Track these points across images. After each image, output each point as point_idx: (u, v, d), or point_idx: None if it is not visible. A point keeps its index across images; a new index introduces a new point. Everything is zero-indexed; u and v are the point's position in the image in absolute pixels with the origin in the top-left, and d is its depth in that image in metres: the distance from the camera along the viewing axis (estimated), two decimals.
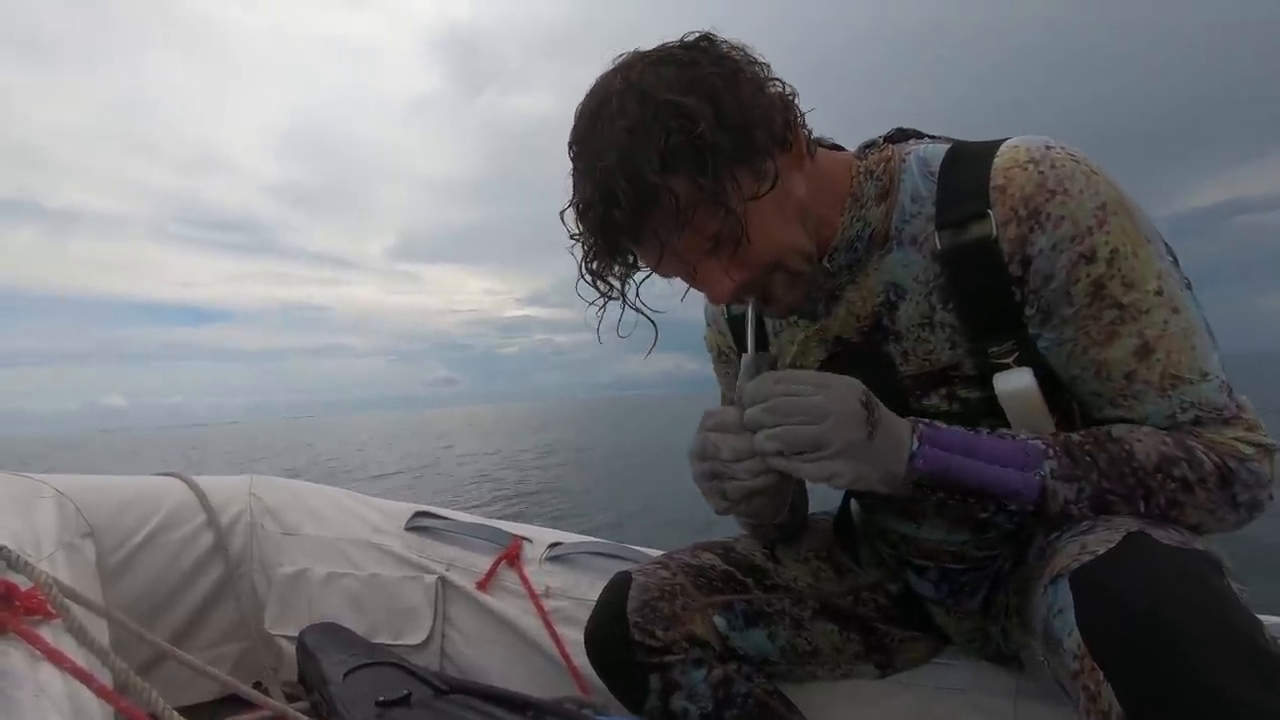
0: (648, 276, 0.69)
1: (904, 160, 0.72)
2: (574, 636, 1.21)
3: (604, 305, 0.68)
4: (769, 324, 0.86)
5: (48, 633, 0.72)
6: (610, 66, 0.63)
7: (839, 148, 0.76)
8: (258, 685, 1.36)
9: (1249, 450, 0.61)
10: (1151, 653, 0.46)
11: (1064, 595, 0.53)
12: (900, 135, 0.76)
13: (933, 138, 0.75)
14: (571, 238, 0.66)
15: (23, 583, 0.75)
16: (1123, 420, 0.65)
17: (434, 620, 1.33)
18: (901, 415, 0.74)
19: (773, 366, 0.73)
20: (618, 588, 0.84)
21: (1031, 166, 0.64)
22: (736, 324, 0.89)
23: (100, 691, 0.68)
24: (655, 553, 0.99)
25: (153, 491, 1.38)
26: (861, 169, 0.72)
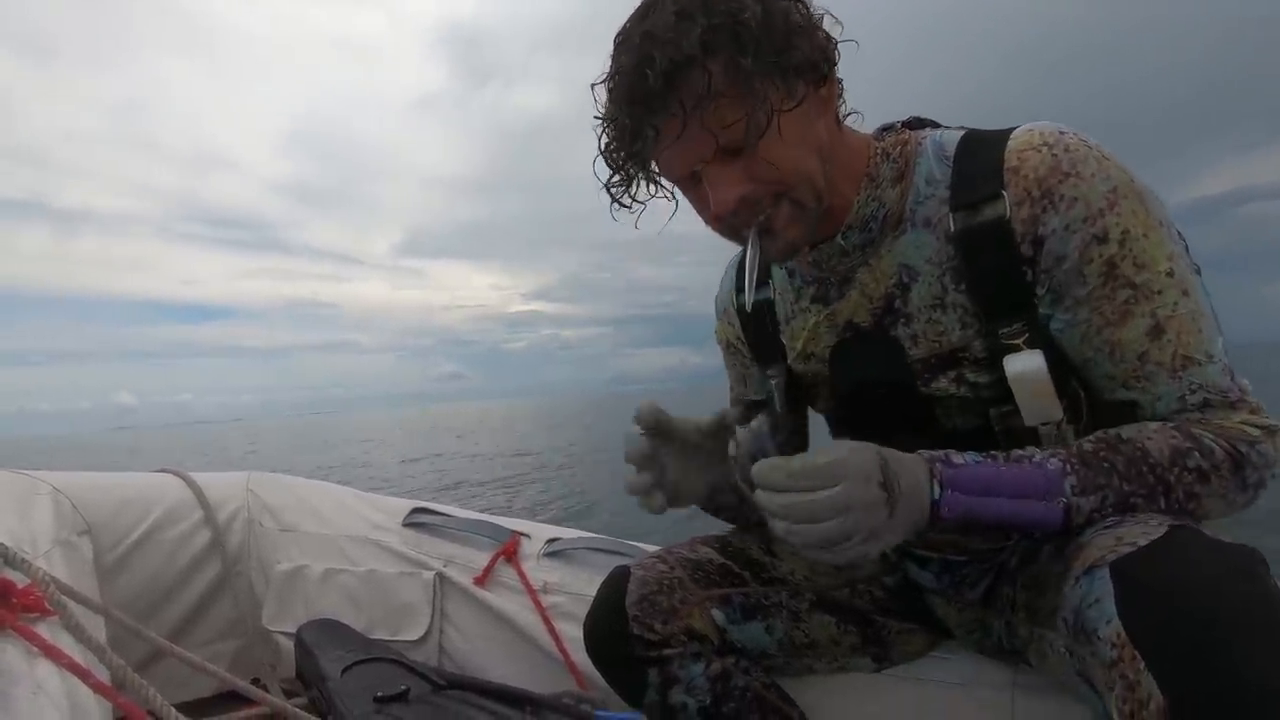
0: (656, 193, 0.70)
1: (919, 144, 0.74)
2: (572, 632, 1.21)
3: (623, 189, 0.69)
4: (779, 310, 0.86)
5: (45, 630, 0.72)
6: None
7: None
8: (256, 681, 1.37)
9: (1256, 433, 0.61)
10: (1197, 642, 0.45)
11: (1101, 585, 0.52)
12: (917, 123, 0.78)
13: (947, 128, 0.76)
14: (596, 118, 0.67)
15: (20, 580, 0.75)
16: (1134, 404, 0.66)
17: (432, 616, 1.34)
18: (910, 399, 0.75)
19: (774, 427, 0.69)
20: (616, 582, 0.84)
21: (1045, 149, 0.65)
22: (747, 315, 0.90)
23: (98, 688, 0.68)
24: (653, 548, 0.99)
25: (150, 488, 1.38)
26: (879, 150, 0.74)
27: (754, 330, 0.90)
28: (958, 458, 0.62)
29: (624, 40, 0.64)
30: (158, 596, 1.31)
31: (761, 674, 0.84)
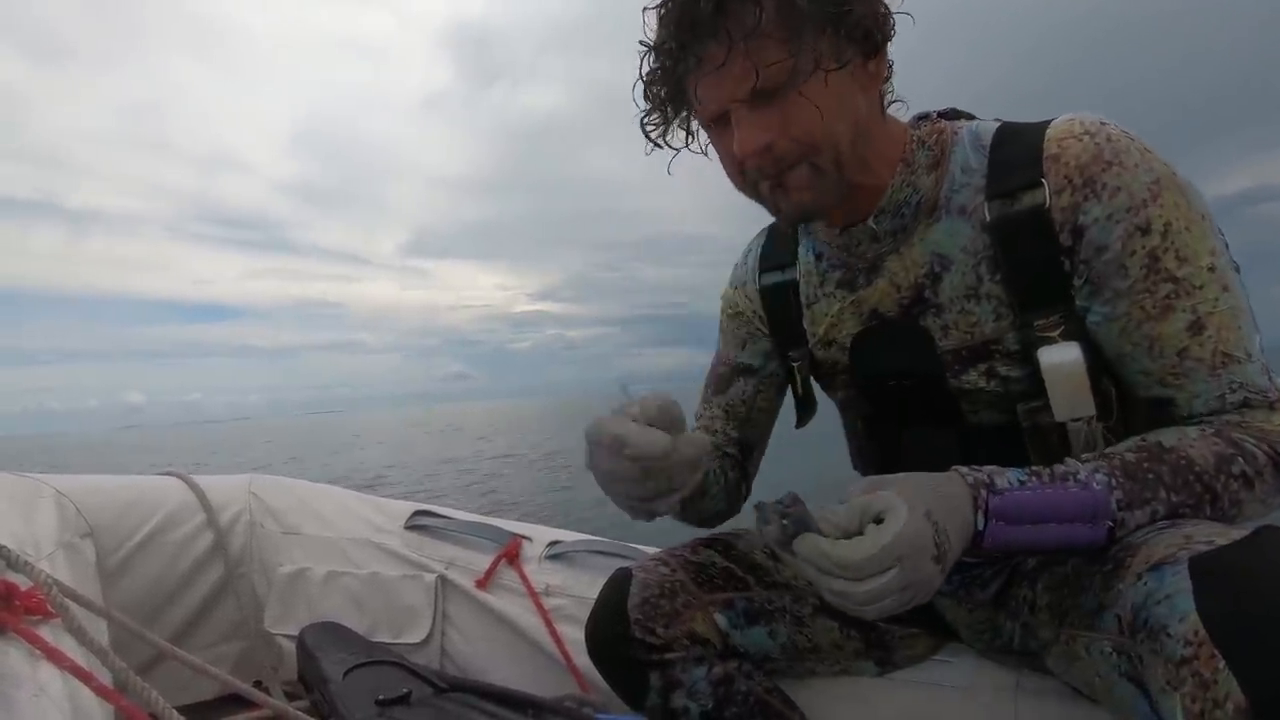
0: (690, 141, 0.73)
1: (956, 134, 0.73)
2: (574, 635, 1.21)
3: (659, 125, 0.70)
4: (802, 295, 0.86)
5: (47, 632, 0.72)
6: None
7: None
8: (258, 684, 1.37)
9: None
10: None
11: (1174, 581, 0.50)
12: (952, 114, 0.78)
13: (982, 120, 0.76)
14: (640, 43, 0.68)
15: (23, 582, 0.75)
16: (1169, 401, 0.65)
17: (434, 619, 1.34)
18: (936, 392, 0.74)
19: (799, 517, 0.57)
20: (618, 584, 0.84)
21: (1087, 138, 0.64)
22: (770, 295, 0.89)
23: (100, 691, 0.68)
24: (655, 550, 0.99)
25: (153, 491, 1.38)
26: (915, 138, 0.73)
27: (776, 311, 0.89)
28: (1000, 479, 0.60)
29: None
30: (160, 599, 1.31)
31: (764, 678, 0.84)
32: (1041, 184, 0.65)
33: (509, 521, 1.47)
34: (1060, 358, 0.66)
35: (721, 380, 0.97)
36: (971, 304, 0.71)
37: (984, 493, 0.59)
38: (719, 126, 0.68)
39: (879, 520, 0.55)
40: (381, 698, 1.02)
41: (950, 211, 0.71)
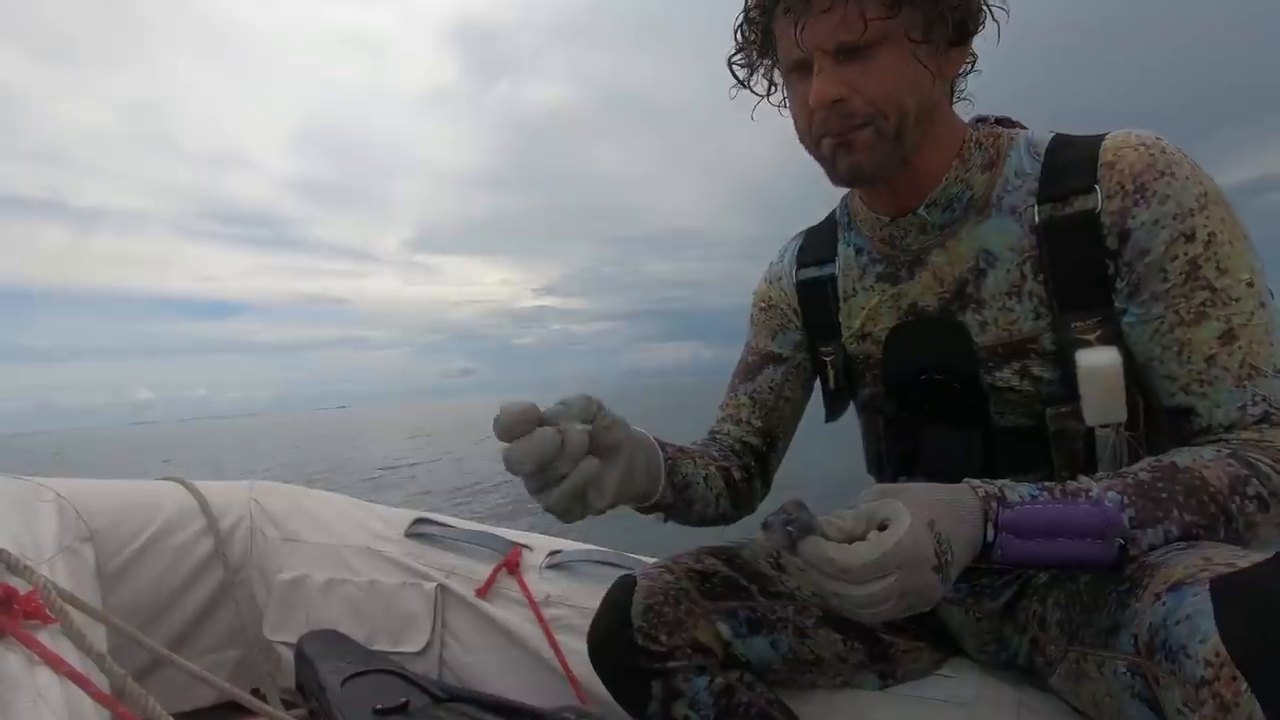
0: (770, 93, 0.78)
1: (1012, 139, 0.76)
2: (574, 645, 1.20)
3: (745, 59, 0.76)
4: (840, 289, 0.87)
5: (46, 637, 0.72)
6: None
7: None
8: (255, 692, 1.36)
9: None
10: None
11: (1194, 602, 0.50)
12: (1009, 122, 0.80)
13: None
14: None
15: (22, 586, 0.75)
16: (1189, 411, 0.65)
17: (433, 628, 1.33)
18: (970, 390, 0.75)
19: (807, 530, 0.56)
20: (623, 590, 0.83)
21: (1143, 149, 0.66)
22: (806, 289, 0.91)
23: (97, 696, 0.68)
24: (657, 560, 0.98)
25: (153, 496, 1.38)
26: (972, 137, 0.76)
27: (812, 304, 0.90)
28: (1012, 493, 0.60)
29: None
30: (159, 604, 1.30)
31: (765, 689, 0.83)
32: (1094, 189, 0.67)
33: (510, 530, 1.46)
34: (1097, 360, 0.66)
35: (750, 369, 0.97)
36: (1013, 301, 0.72)
37: (995, 505, 0.58)
38: (798, 74, 0.71)
39: (883, 527, 0.55)
40: (379, 707, 1.01)
41: (1001, 210, 0.73)
